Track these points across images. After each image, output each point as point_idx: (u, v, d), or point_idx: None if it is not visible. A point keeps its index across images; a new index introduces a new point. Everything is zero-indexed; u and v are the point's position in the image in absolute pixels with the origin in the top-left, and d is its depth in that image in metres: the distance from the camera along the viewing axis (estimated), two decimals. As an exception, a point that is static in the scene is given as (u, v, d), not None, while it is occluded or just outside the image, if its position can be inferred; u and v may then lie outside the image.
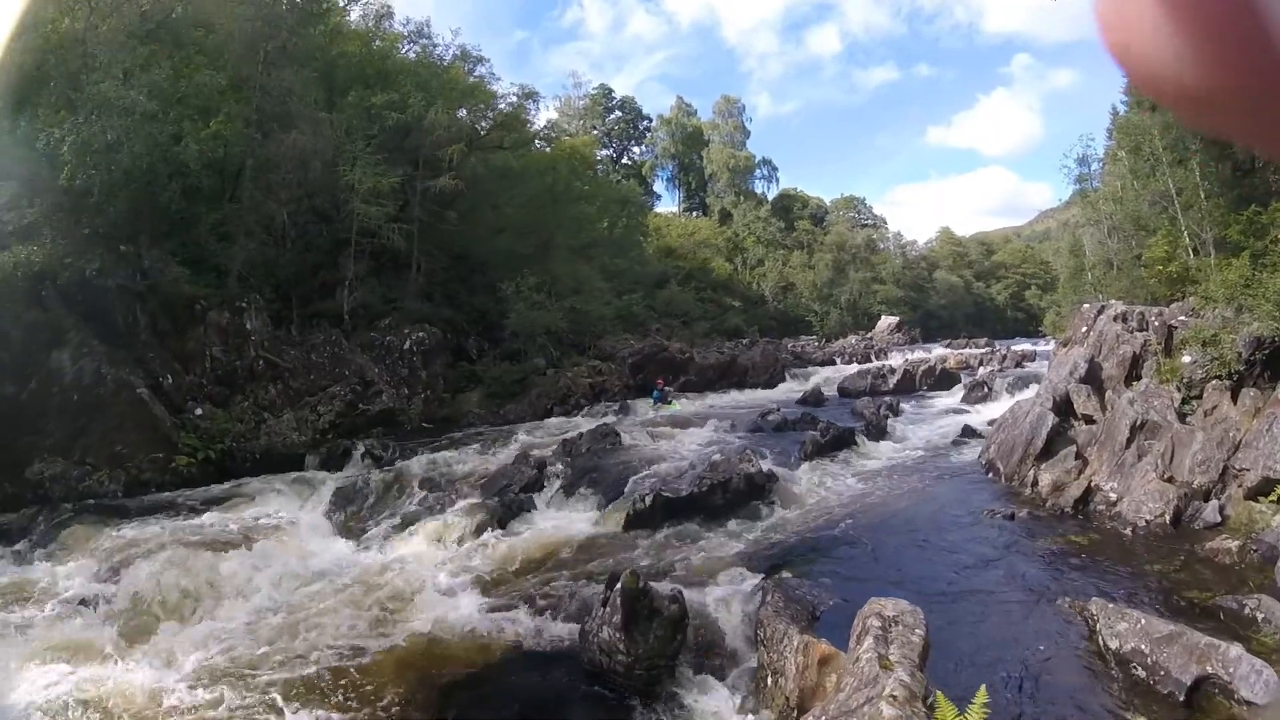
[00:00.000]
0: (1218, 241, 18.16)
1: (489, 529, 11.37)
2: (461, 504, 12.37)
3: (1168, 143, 20.72)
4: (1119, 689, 6.37)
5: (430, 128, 27.79)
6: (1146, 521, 10.62)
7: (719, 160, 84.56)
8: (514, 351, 27.40)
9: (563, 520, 12.18)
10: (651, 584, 7.40)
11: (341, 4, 31.85)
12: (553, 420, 22.45)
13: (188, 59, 19.51)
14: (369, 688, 6.79)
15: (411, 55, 34.46)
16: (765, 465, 13.54)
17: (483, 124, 33.87)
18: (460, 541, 11.05)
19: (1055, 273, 52.89)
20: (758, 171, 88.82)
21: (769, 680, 6.44)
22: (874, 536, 11.04)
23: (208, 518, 12.47)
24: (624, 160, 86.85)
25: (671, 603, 7.18)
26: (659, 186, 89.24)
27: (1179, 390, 13.05)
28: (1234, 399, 12.05)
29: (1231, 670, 6.02)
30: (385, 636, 7.81)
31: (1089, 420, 13.91)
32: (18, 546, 11.09)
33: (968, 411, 22.55)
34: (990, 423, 17.55)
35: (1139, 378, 14.25)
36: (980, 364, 35.91)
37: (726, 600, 8.34)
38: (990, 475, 14.34)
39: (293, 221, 23.52)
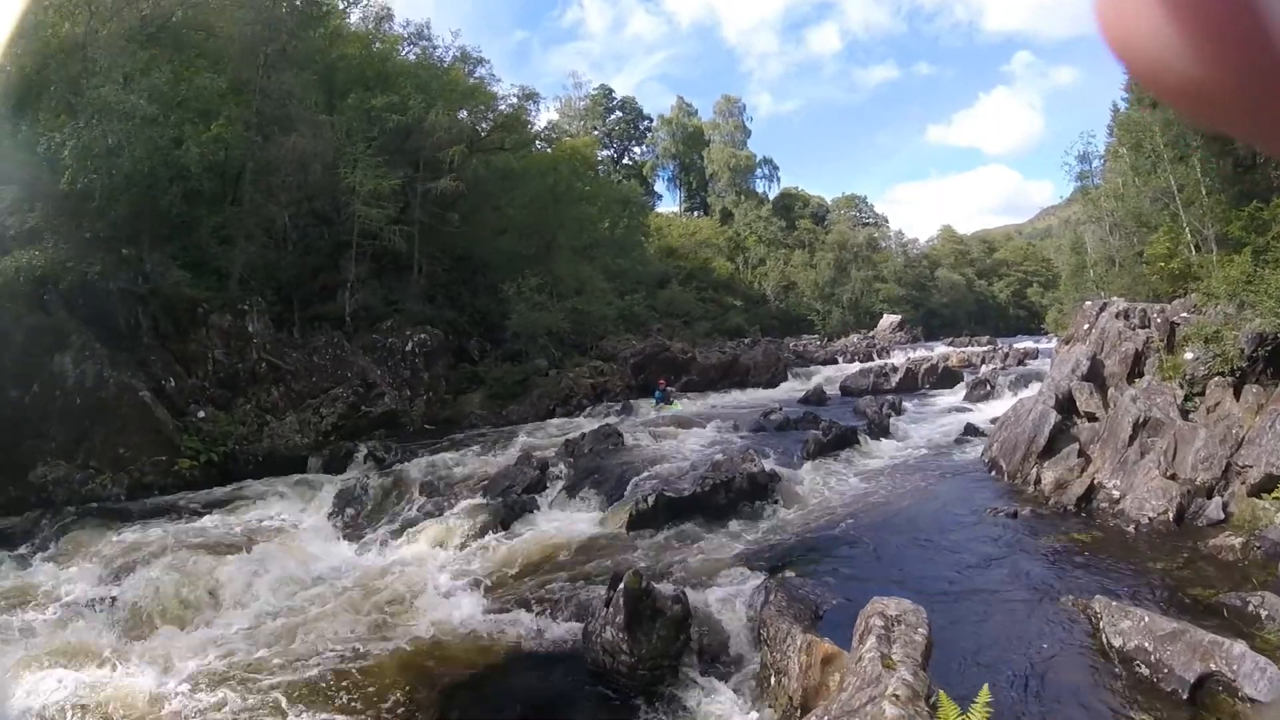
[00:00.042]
0: (1219, 238, 18.15)
1: (492, 530, 11.37)
2: (464, 505, 12.36)
3: (1169, 139, 20.68)
4: (1122, 687, 6.36)
5: (431, 129, 27.80)
6: (1149, 519, 10.60)
7: (720, 160, 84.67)
8: (516, 352, 27.41)
9: (565, 521, 12.17)
10: (654, 584, 7.40)
11: (341, 7, 31.90)
12: (555, 421, 22.45)
13: (188, 63, 19.51)
14: (372, 690, 6.79)
15: (411, 57, 34.51)
16: (768, 465, 13.53)
17: (483, 125, 33.88)
18: (463, 543, 11.05)
19: (1057, 270, 52.98)
20: (759, 171, 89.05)
21: (772, 679, 6.43)
22: (877, 535, 11.03)
23: (210, 521, 12.48)
24: (625, 160, 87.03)
25: (674, 603, 7.18)
26: (660, 186, 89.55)
27: (1181, 387, 13.05)
28: (1236, 395, 12.04)
29: (1235, 668, 6.01)
30: (388, 638, 7.81)
31: (1091, 418, 13.90)
32: (21, 550, 11.10)
33: (970, 410, 22.53)
34: (993, 421, 17.54)
35: (1141, 375, 14.25)
36: (982, 362, 35.90)
37: (729, 600, 8.33)
38: (993, 473, 14.33)
39: (294, 224, 23.56)
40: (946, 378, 30.18)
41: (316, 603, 8.84)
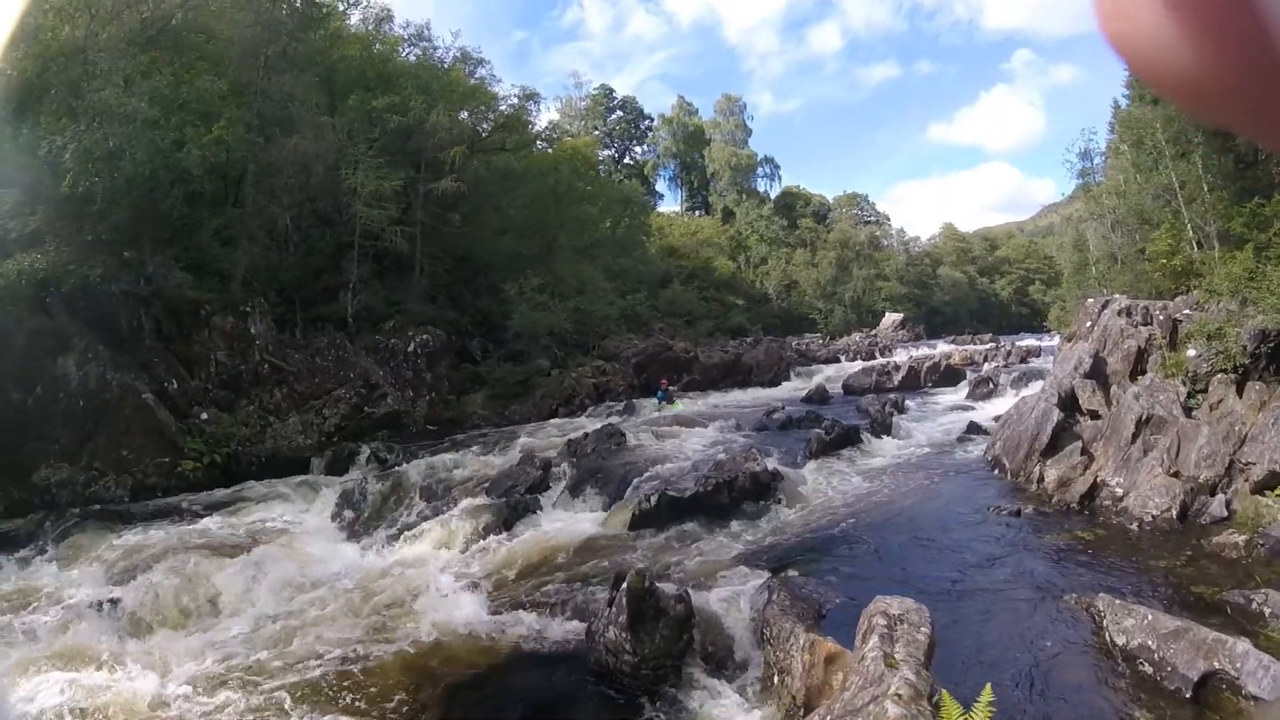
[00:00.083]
0: (1221, 234, 18.10)
1: (494, 530, 11.36)
2: (467, 506, 12.35)
3: (1170, 136, 20.63)
4: (1126, 685, 6.35)
5: (432, 130, 27.84)
6: (1153, 516, 10.59)
7: (721, 159, 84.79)
8: (518, 353, 27.43)
9: (568, 521, 12.16)
10: (657, 583, 7.40)
11: (341, 8, 31.94)
12: (557, 421, 22.48)
13: (189, 65, 19.53)
14: (376, 690, 6.80)
15: (412, 58, 34.60)
16: (770, 464, 13.51)
17: (484, 126, 33.90)
18: (466, 543, 11.05)
19: (1059, 268, 52.81)
20: (760, 170, 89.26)
21: (775, 679, 6.43)
22: (879, 534, 11.02)
23: (213, 522, 12.49)
24: (626, 160, 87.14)
25: (677, 602, 7.18)
26: (661, 186, 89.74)
27: (1184, 384, 13.01)
28: (1239, 392, 12.01)
29: (1239, 665, 6.00)
30: (391, 639, 7.81)
31: (1094, 415, 13.88)
32: (24, 552, 11.11)
33: (973, 408, 22.47)
34: (995, 419, 17.50)
35: (1144, 372, 14.21)
36: (985, 360, 35.93)
37: (732, 599, 8.32)
38: (996, 472, 14.31)
39: (295, 225, 23.59)
40: (949, 376, 30.12)
41: (319, 604, 8.84)
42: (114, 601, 8.51)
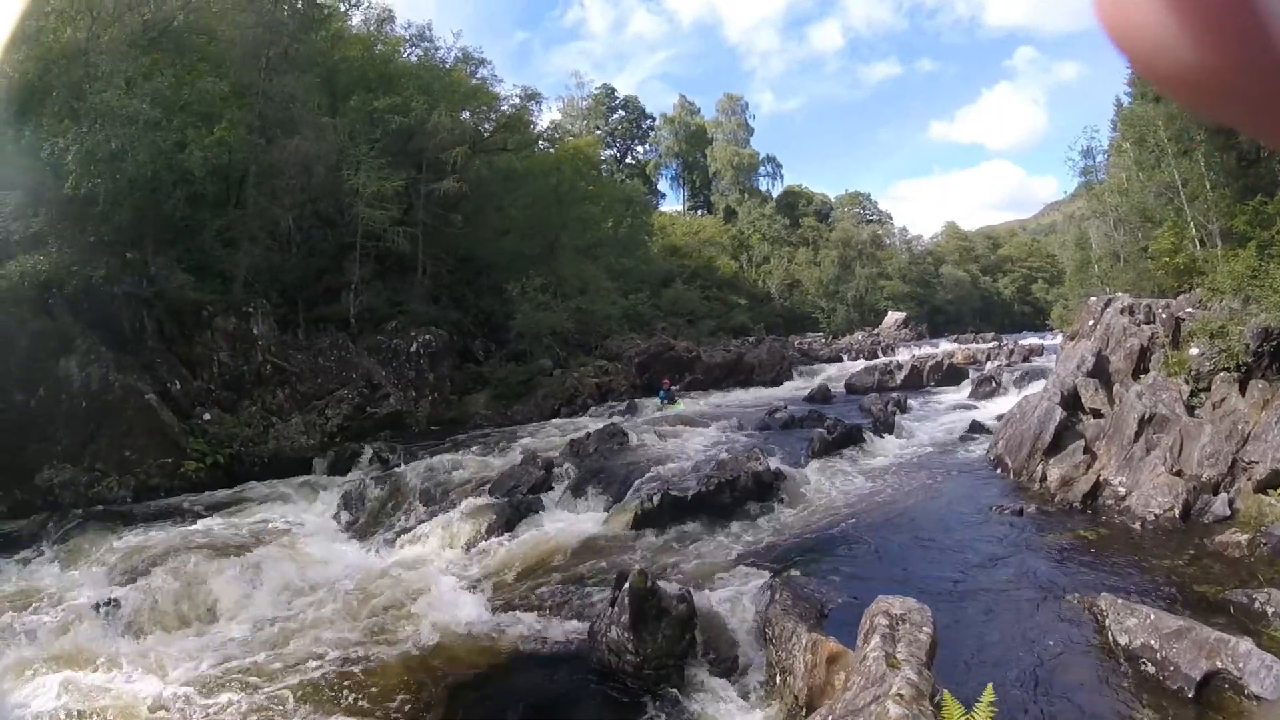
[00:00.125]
0: (1224, 232, 18.11)
1: (497, 530, 11.36)
2: (469, 506, 12.34)
3: (1172, 134, 20.63)
4: (1128, 685, 6.35)
5: (433, 131, 27.85)
6: (1155, 515, 10.58)
7: (723, 158, 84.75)
8: (520, 352, 27.45)
9: (570, 521, 12.15)
10: (659, 583, 7.40)
11: (343, 9, 31.98)
12: (560, 421, 22.49)
13: (190, 67, 19.53)
14: (378, 690, 6.80)
15: (413, 59, 34.66)
16: (773, 463, 13.49)
17: (486, 126, 33.94)
18: (468, 543, 11.05)
19: (1062, 266, 52.87)
20: (762, 169, 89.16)
21: (778, 678, 6.44)
22: (882, 534, 11.02)
23: (215, 523, 12.50)
24: (628, 160, 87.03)
25: (680, 602, 7.18)
26: (663, 185, 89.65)
27: (1187, 383, 12.99)
28: (1242, 391, 11.98)
29: (1241, 665, 5.99)
30: (394, 640, 7.81)
31: (1097, 414, 13.87)
32: (27, 553, 11.14)
33: (975, 407, 22.44)
34: (998, 418, 17.48)
35: (1146, 371, 14.19)
36: (988, 359, 35.87)
37: (735, 599, 8.32)
38: (998, 471, 14.30)
39: (297, 226, 23.62)
40: (951, 375, 30.09)
41: (321, 605, 8.84)
42: (115, 603, 8.51)
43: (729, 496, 12.00)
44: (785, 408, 21.16)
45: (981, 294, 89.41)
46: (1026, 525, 11.05)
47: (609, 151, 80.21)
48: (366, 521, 12.64)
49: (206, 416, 16.62)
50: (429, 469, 14.72)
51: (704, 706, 6.49)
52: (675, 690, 6.68)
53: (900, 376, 29.43)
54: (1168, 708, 5.99)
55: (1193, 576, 8.66)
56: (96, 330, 15.25)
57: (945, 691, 4.81)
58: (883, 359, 38.92)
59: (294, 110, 21.66)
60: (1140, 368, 14.35)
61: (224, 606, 8.78)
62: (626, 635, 6.86)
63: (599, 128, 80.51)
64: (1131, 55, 0.42)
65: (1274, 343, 11.84)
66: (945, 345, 46.75)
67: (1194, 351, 13.29)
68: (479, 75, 35.21)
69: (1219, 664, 6.10)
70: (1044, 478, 12.89)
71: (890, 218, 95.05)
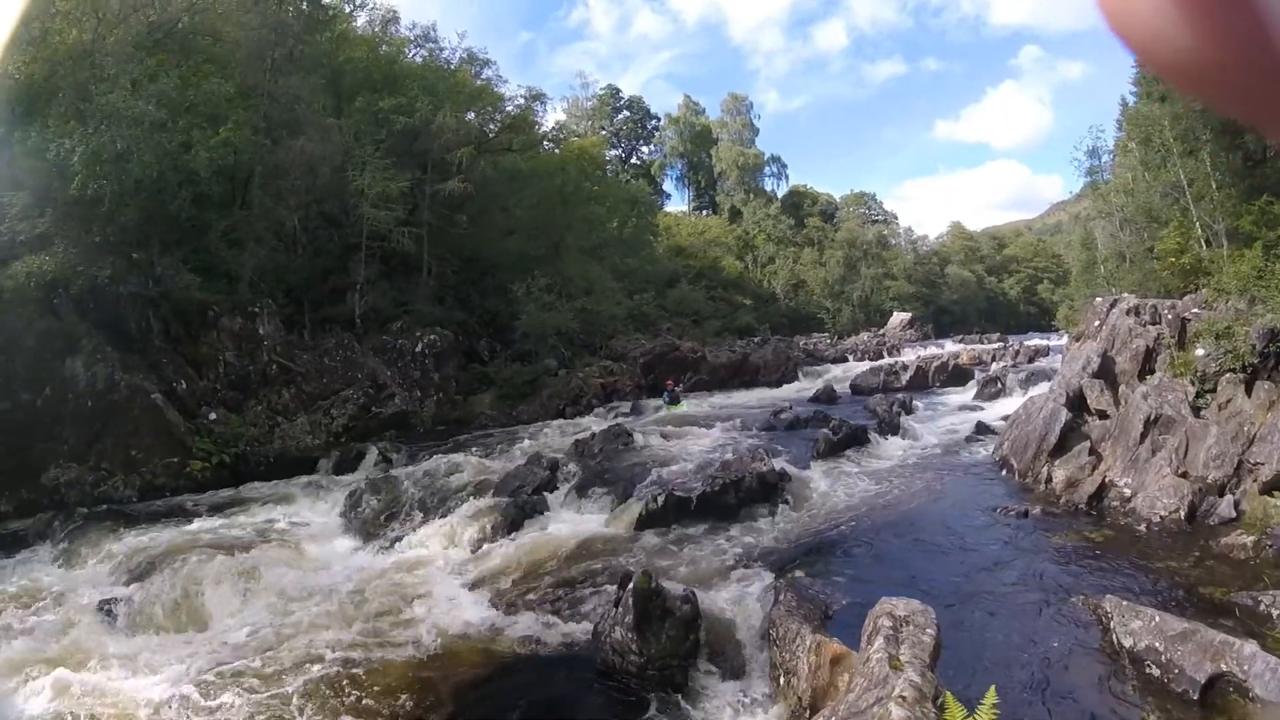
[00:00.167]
0: (1230, 232, 18.05)
1: (501, 531, 11.37)
2: (474, 505, 12.36)
3: (1178, 133, 20.56)
4: (1132, 687, 6.33)
5: (438, 131, 27.86)
6: (1161, 517, 10.55)
7: (728, 158, 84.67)
8: (525, 353, 27.46)
9: (575, 521, 12.15)
10: (664, 584, 7.41)
11: (347, 10, 32.03)
12: (565, 421, 22.46)
13: (195, 68, 19.60)
14: (382, 690, 6.81)
15: (418, 59, 34.71)
16: (778, 464, 13.48)
17: (491, 126, 33.94)
18: (473, 543, 11.06)
19: (1067, 266, 52.70)
20: (767, 169, 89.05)
21: (781, 680, 6.43)
22: (887, 535, 11.01)
23: (220, 522, 12.54)
24: (633, 160, 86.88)
25: (684, 602, 7.19)
26: (668, 185, 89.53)
27: (1193, 384, 12.95)
28: (1248, 392, 11.95)
29: (1246, 668, 5.97)
30: (398, 640, 7.83)
31: (1103, 415, 13.84)
32: (32, 552, 11.21)
33: (981, 408, 22.40)
34: (1003, 419, 17.45)
35: (1152, 371, 14.16)
36: (993, 360, 35.80)
37: (739, 600, 8.33)
38: (1004, 472, 14.28)
39: (303, 227, 23.65)
40: (957, 376, 30.00)
41: (325, 605, 8.85)
42: (118, 602, 8.55)
43: (734, 497, 12.00)
44: (790, 408, 21.16)
45: (987, 294, 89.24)
46: (1031, 527, 11.03)
47: (614, 152, 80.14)
48: (371, 521, 12.63)
49: (212, 416, 16.66)
50: (434, 469, 14.72)
51: (708, 707, 6.50)
52: (679, 691, 6.69)
53: (905, 377, 29.38)
54: (1172, 710, 5.98)
55: (1198, 578, 8.64)
56: (102, 330, 15.30)
57: (948, 693, 4.80)
58: (888, 360, 38.92)
59: (299, 111, 21.70)
60: (1146, 369, 14.32)
61: (226, 607, 8.80)
62: (631, 636, 6.87)
63: (604, 128, 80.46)
64: (1131, 44, 0.42)
65: (1280, 344, 11.81)
66: (950, 346, 46.75)
67: (1200, 352, 13.25)
68: (484, 76, 35.25)
69: (1224, 667, 6.08)
70: (1049, 479, 12.87)
71: (895, 218, 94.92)
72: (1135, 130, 24.56)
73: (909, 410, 21.48)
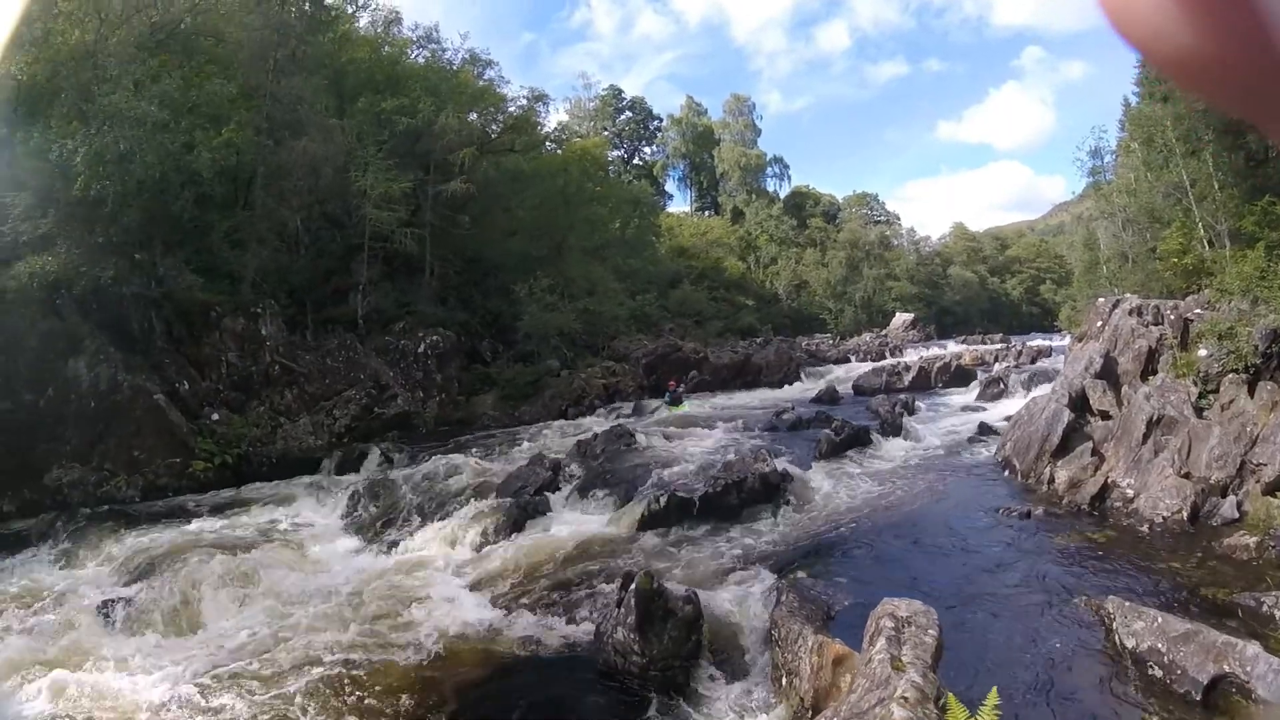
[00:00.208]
0: (1233, 233, 18.00)
1: (504, 531, 11.37)
2: (476, 506, 12.36)
3: (1180, 133, 20.54)
4: (1135, 688, 6.33)
5: (441, 132, 27.86)
6: (1164, 518, 10.54)
7: (730, 159, 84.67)
8: (528, 353, 27.47)
9: (577, 521, 12.16)
10: (666, 584, 7.41)
11: (350, 11, 32.01)
12: (567, 422, 22.45)
13: (198, 68, 19.62)
14: (384, 690, 6.81)
15: (421, 60, 34.67)
16: (780, 465, 13.48)
17: (493, 127, 33.89)
18: (475, 543, 11.07)
19: (1070, 267, 52.72)
20: (769, 169, 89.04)
21: (784, 680, 6.43)
22: (889, 536, 11.00)
23: (223, 522, 12.56)
24: (635, 161, 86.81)
25: (686, 603, 7.19)
26: (671, 186, 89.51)
27: (1195, 384, 12.93)
28: (1251, 393, 11.93)
29: (1249, 669, 5.96)
30: (399, 640, 7.83)
31: (1105, 416, 13.83)
32: (34, 552, 11.21)
33: (983, 408, 22.40)
34: (1006, 420, 17.43)
35: (1155, 372, 14.14)
36: (996, 360, 35.79)
37: (741, 600, 8.33)
38: (1006, 473, 14.26)
39: (305, 228, 23.68)
40: (959, 376, 29.98)
41: (330, 603, 8.87)
42: (119, 603, 8.55)
43: (736, 498, 12.00)
44: (792, 409, 21.17)
45: (989, 295, 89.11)
46: (1034, 527, 11.02)
47: (616, 152, 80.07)
48: (373, 522, 12.65)
49: (215, 417, 16.68)
50: (436, 470, 14.73)
51: (709, 708, 6.50)
52: (681, 692, 6.69)
53: (908, 378, 29.36)
54: (1174, 711, 5.97)
55: (1200, 579, 8.63)
56: (105, 331, 15.31)
57: (950, 694, 4.79)
58: (890, 360, 38.87)
59: (302, 112, 21.73)
60: (1149, 369, 14.30)
61: (227, 607, 8.81)
62: (633, 636, 6.87)
63: (606, 129, 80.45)
64: (1132, 41, 0.43)
65: (1283, 344, 11.80)
66: (953, 346, 46.75)
67: (1202, 353, 13.23)
68: (486, 76, 35.25)
69: (1226, 667, 6.07)
70: (1052, 480, 12.86)
71: (898, 218, 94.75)
72: (1138, 130, 24.54)
73: (911, 411, 21.47)
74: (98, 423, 14.64)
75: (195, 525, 12.35)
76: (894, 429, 18.13)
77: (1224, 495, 10.69)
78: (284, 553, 10.64)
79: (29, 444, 13.75)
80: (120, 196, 15.33)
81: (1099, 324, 16.66)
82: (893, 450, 16.68)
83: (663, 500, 11.69)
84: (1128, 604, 7.23)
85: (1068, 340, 26.16)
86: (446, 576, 9.87)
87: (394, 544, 11.47)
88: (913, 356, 38.08)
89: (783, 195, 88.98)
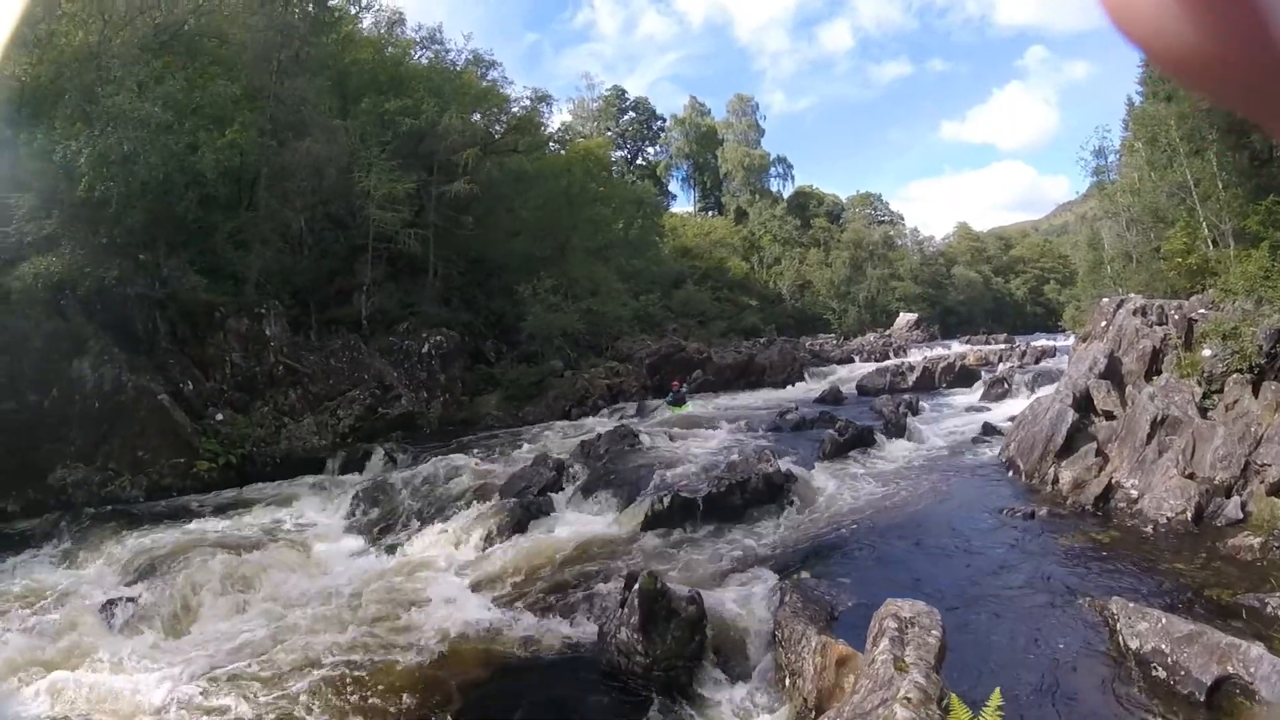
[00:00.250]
0: (1237, 232, 17.96)
1: (507, 531, 11.36)
2: (480, 506, 12.38)
3: (1184, 133, 20.49)
4: (1138, 689, 6.31)
5: (444, 133, 27.87)
6: (1168, 518, 10.52)
7: (734, 159, 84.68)
8: (531, 354, 27.48)
9: (581, 522, 12.14)
10: (669, 585, 7.40)
11: (353, 12, 32.04)
12: (570, 422, 22.46)
13: (201, 70, 19.64)
14: (387, 690, 6.82)
15: (424, 61, 34.68)
16: (783, 465, 13.46)
17: (497, 128, 33.89)
18: (479, 544, 11.06)
19: (1074, 267, 52.59)
20: (773, 169, 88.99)
21: (787, 681, 6.43)
22: (892, 536, 10.99)
23: (226, 523, 12.57)
24: (639, 161, 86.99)
25: (689, 603, 7.18)
26: (674, 186, 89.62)
27: (1199, 384, 12.91)
28: (1255, 393, 11.90)
29: (1252, 670, 5.95)
30: (402, 640, 7.83)
31: (1109, 416, 13.80)
32: (37, 552, 11.23)
33: (987, 409, 22.38)
34: (1010, 420, 17.43)
35: (1159, 372, 14.11)
36: (1000, 360, 35.74)
37: (745, 601, 8.32)
38: (1010, 473, 14.25)
39: (309, 228, 23.69)
40: (963, 376, 29.95)
41: (332, 604, 8.87)
42: (121, 603, 8.56)
43: (739, 498, 12.00)
44: (796, 409, 21.15)
45: (994, 295, 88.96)
46: (1038, 528, 11.01)
47: (620, 153, 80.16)
48: (377, 522, 12.68)
49: (219, 417, 16.69)
50: (439, 470, 14.74)
51: (713, 709, 6.51)
52: (684, 692, 6.69)
53: (912, 378, 29.34)
54: (1178, 712, 5.96)
55: (1204, 580, 8.61)
56: (109, 331, 15.34)
57: (953, 695, 4.79)
58: (894, 360, 38.83)
59: (305, 113, 21.74)
60: (1153, 369, 14.28)
61: (229, 607, 8.82)
62: (636, 636, 6.87)
63: (609, 129, 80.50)
64: (1134, 39, 0.43)
65: (1287, 344, 11.77)
66: (957, 347, 46.68)
67: (1206, 353, 13.20)
68: (490, 77, 35.30)
69: (1230, 669, 6.06)
70: (1056, 480, 12.85)
71: (902, 218, 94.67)
72: (1141, 130, 24.47)
73: (915, 411, 21.47)
74: (102, 423, 14.66)
75: (198, 525, 12.36)
76: (898, 429, 18.12)
77: (1228, 496, 10.67)
78: (286, 553, 10.64)
79: (33, 444, 13.77)
80: (124, 197, 15.34)
81: (1103, 324, 16.64)
82: (896, 451, 16.67)
83: (666, 501, 11.68)
84: (1131, 605, 7.21)
85: (1072, 340, 26.17)
86: (449, 577, 9.86)
87: (397, 545, 11.47)
88: (917, 357, 38.02)
89: (786, 195, 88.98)
